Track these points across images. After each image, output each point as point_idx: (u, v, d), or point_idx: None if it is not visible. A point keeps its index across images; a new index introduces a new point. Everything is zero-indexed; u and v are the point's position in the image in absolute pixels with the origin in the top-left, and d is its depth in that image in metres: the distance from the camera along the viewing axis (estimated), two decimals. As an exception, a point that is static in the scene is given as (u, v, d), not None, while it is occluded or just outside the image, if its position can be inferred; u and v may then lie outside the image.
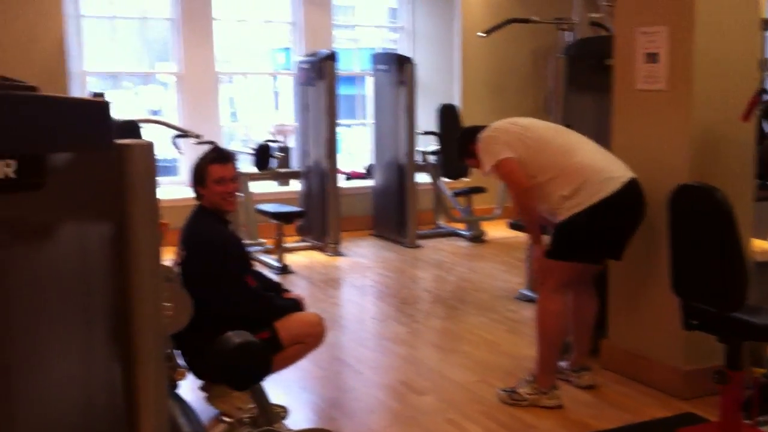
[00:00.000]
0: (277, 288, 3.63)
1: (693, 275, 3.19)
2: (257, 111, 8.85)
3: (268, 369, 2.64)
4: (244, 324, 3.23)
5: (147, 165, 1.44)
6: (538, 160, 3.65)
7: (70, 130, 1.34)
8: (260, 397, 2.58)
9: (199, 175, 3.38)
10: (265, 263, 6.49)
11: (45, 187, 1.30)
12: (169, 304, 1.91)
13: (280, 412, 3.36)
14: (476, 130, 3.88)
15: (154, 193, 1.46)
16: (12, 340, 1.28)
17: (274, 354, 3.28)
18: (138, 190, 1.41)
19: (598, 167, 3.59)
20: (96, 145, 1.37)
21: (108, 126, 1.43)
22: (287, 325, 3.31)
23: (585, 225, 3.55)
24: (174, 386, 2.99)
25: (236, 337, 2.39)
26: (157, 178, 1.46)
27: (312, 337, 3.39)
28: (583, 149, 3.69)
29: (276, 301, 3.41)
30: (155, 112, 8.67)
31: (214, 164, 3.40)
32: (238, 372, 2.50)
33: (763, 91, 3.70)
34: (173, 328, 2.56)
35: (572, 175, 3.56)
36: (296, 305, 3.45)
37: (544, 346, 3.69)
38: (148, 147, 1.46)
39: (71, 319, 1.35)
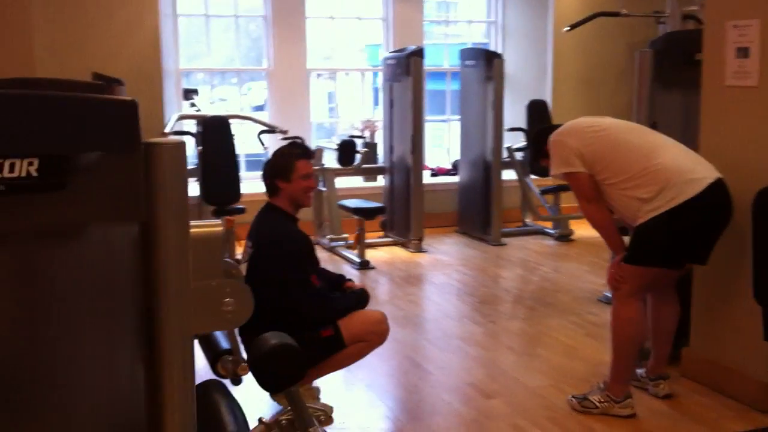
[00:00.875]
0: (340, 281, 3.62)
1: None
2: (354, 106, 8.90)
3: (300, 374, 2.62)
4: (307, 321, 3.27)
5: (176, 165, 1.43)
6: (614, 162, 3.50)
7: (95, 130, 1.34)
8: (295, 400, 2.56)
9: (284, 170, 3.39)
10: (346, 258, 6.53)
11: (68, 188, 1.30)
12: (229, 300, 1.92)
13: (320, 415, 3.33)
14: (550, 129, 3.77)
15: (184, 194, 1.45)
16: (34, 343, 1.29)
17: (335, 352, 3.30)
18: (167, 191, 1.40)
19: (681, 169, 3.40)
20: (122, 145, 1.37)
21: (135, 125, 1.42)
22: (350, 323, 3.31)
23: (666, 228, 3.38)
24: (238, 381, 3.03)
25: (272, 338, 2.37)
26: (187, 178, 1.46)
27: (375, 335, 3.37)
28: (666, 150, 3.50)
29: (337, 304, 3.39)
30: (258, 108, 8.85)
31: (301, 159, 3.43)
32: (268, 375, 2.49)
33: None
34: (235, 323, 2.56)
35: (653, 178, 3.40)
36: (359, 301, 3.43)
37: (618, 354, 3.55)
38: (178, 146, 1.45)
39: (95, 323, 1.36)
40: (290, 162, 3.40)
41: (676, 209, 3.34)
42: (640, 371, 3.81)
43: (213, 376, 2.26)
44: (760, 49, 3.52)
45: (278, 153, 3.54)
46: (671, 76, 4.64)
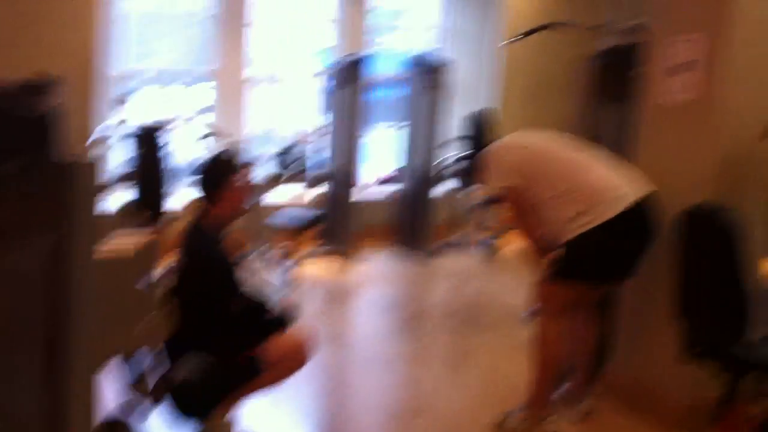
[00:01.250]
0: (262, 308, 3.51)
1: (694, 302, 3.08)
2: (300, 113, 8.83)
3: (205, 409, 2.57)
4: (223, 344, 3.21)
5: (88, 183, 1.40)
6: (543, 179, 3.53)
7: (10, 143, 1.31)
8: None
9: (226, 178, 3.27)
10: (276, 271, 6.47)
11: None
12: (144, 320, 1.88)
13: None
14: (486, 146, 3.82)
15: (92, 212, 1.42)
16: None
17: (255, 376, 3.24)
18: (78, 209, 1.37)
19: (607, 186, 3.42)
20: (34, 162, 1.34)
21: (47, 143, 1.39)
22: (271, 347, 3.24)
23: (592, 244, 3.39)
24: (157, 401, 2.98)
25: (184, 370, 2.35)
26: (97, 197, 1.43)
27: (295, 361, 3.29)
28: (594, 167, 3.52)
29: (250, 336, 3.28)
30: (203, 111, 8.70)
31: (243, 167, 3.33)
32: (177, 406, 2.46)
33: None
34: (150, 343, 2.53)
35: (581, 194, 3.41)
36: (278, 327, 3.37)
37: (541, 372, 3.56)
38: (90, 166, 1.42)
39: None
40: (233, 170, 3.30)
41: (602, 226, 3.36)
42: (561, 390, 3.86)
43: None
44: (701, 63, 3.54)
45: (218, 160, 3.40)
46: (613, 90, 4.68)
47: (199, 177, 3.34)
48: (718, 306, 2.97)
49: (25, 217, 1.31)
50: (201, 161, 3.45)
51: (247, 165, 3.39)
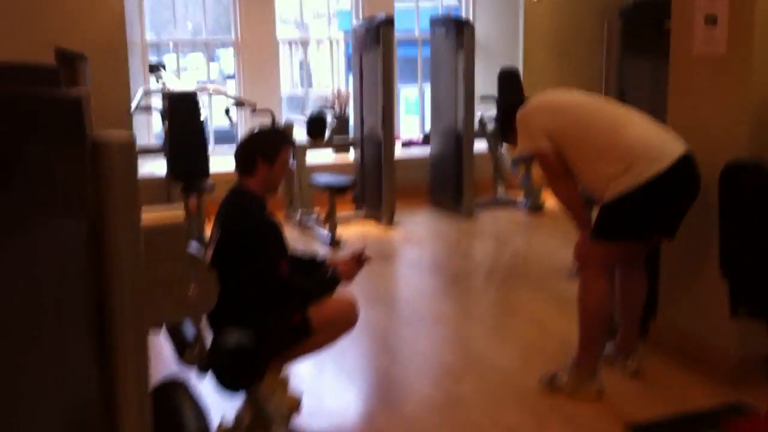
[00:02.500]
0: (313, 265, 3.55)
1: (741, 258, 3.01)
2: (326, 76, 8.78)
3: (256, 377, 2.56)
4: (274, 308, 3.22)
5: (126, 163, 1.37)
6: (580, 138, 3.47)
7: (39, 127, 1.29)
8: (256, 401, 2.52)
9: (270, 151, 3.28)
10: (317, 235, 6.48)
11: (13, 184, 1.25)
12: (193, 287, 1.87)
13: (284, 412, 3.26)
14: (517, 105, 3.72)
15: (134, 193, 1.40)
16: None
17: (304, 339, 3.27)
18: (116, 190, 1.35)
19: (647, 144, 3.36)
20: (67, 142, 1.31)
21: (81, 123, 1.35)
22: (319, 310, 3.25)
23: (634, 203, 3.34)
24: (205, 369, 2.99)
25: (230, 339, 2.34)
26: (136, 175, 1.40)
27: (344, 323, 3.32)
28: (632, 125, 3.45)
29: (303, 295, 3.31)
30: (230, 77, 8.69)
31: (287, 145, 3.35)
32: (226, 377, 2.45)
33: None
34: (199, 312, 2.52)
35: (620, 153, 3.36)
36: (328, 287, 3.36)
37: (586, 329, 3.54)
38: (127, 144, 1.39)
39: (45, 324, 1.32)
40: (278, 146, 3.31)
41: (643, 185, 3.31)
42: (608, 346, 3.82)
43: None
44: (727, 16, 3.45)
45: (265, 133, 3.45)
46: (641, 45, 4.59)
47: (245, 149, 3.34)
48: (764, 262, 2.89)
49: (65, 198, 1.28)
50: (246, 133, 3.46)
51: (290, 144, 3.39)
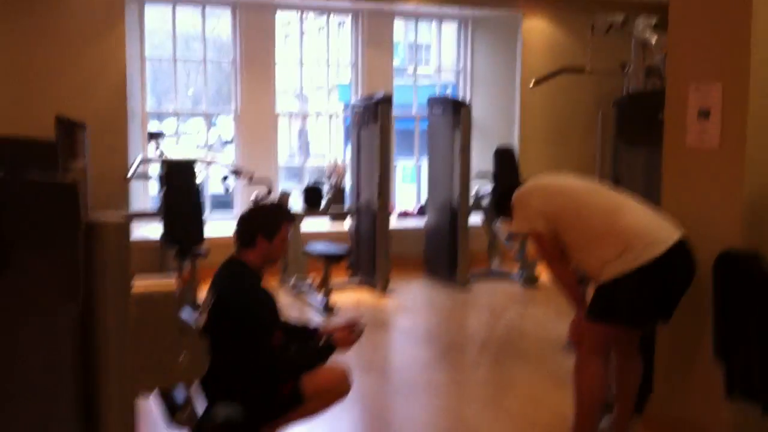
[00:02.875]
0: (306, 334, 3.52)
1: (736, 343, 3.02)
2: (323, 147, 8.90)
3: None
4: (265, 378, 3.19)
5: (119, 243, 1.39)
6: (576, 222, 3.51)
7: (35, 213, 1.31)
8: None
9: (270, 228, 3.32)
10: (311, 303, 6.45)
11: (9, 269, 1.27)
12: (184, 354, 1.86)
13: None
14: (514, 187, 3.77)
15: (126, 271, 1.42)
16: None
17: (295, 407, 3.23)
18: (108, 269, 1.37)
19: (644, 230, 3.39)
20: (62, 227, 1.33)
21: (75, 209, 1.38)
22: (311, 378, 3.23)
23: (629, 288, 3.35)
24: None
25: (221, 413, 2.31)
26: (130, 256, 1.42)
27: (336, 393, 3.30)
28: (628, 210, 3.50)
29: (295, 367, 3.28)
30: (228, 143, 8.81)
31: (287, 223, 3.39)
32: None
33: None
34: (190, 378, 2.51)
35: (616, 237, 3.38)
36: (321, 358, 3.33)
37: (581, 409, 3.52)
38: (121, 225, 1.42)
39: (34, 405, 1.31)
40: (278, 223, 3.35)
41: (639, 269, 3.32)
42: (604, 421, 3.77)
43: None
44: (721, 111, 3.53)
45: (265, 209, 3.49)
46: (635, 134, 4.67)
47: (245, 224, 3.38)
48: (758, 350, 2.89)
49: (58, 280, 1.31)
50: (247, 208, 3.50)
51: (290, 221, 3.44)
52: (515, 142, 8.49)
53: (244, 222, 3.40)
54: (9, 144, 2.16)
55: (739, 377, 3.04)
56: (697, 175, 3.69)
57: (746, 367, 3.00)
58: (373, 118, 7.01)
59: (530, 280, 7.36)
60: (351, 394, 3.44)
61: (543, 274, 7.33)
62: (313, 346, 3.41)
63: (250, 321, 3.20)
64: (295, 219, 3.54)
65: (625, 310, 3.42)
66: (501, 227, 7.54)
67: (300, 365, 3.26)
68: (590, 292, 3.57)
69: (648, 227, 3.41)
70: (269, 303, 3.37)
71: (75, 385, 1.33)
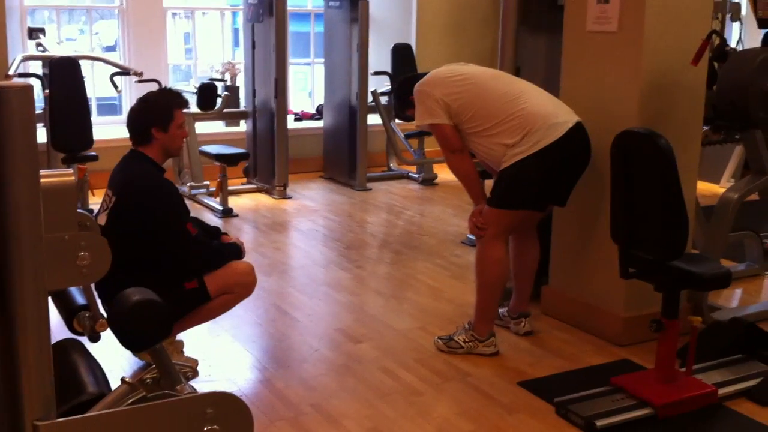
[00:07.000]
0: (216, 233, 3.49)
1: (632, 223, 3.14)
2: (213, 48, 8.55)
3: (166, 331, 2.50)
4: (171, 273, 3.13)
5: (23, 110, 1.29)
6: (479, 110, 3.52)
7: None
8: (161, 357, 2.43)
9: (162, 118, 3.20)
10: (208, 206, 6.34)
11: None
12: (84, 254, 1.77)
13: (187, 371, 3.21)
14: (414, 79, 3.74)
15: (33, 141, 1.32)
16: None
17: (200, 304, 3.19)
18: (14, 140, 1.27)
19: (543, 114, 3.46)
20: None
21: None
22: (216, 275, 3.19)
23: (530, 171, 3.44)
24: (96, 338, 2.87)
25: (134, 294, 2.24)
26: (35, 124, 1.32)
27: (242, 287, 3.27)
28: (529, 96, 3.55)
29: (221, 251, 3.27)
30: (110, 49, 8.35)
31: (179, 108, 3.26)
32: (132, 333, 2.36)
33: (713, 33, 3.61)
34: (91, 278, 2.40)
35: (518, 124, 3.45)
36: (238, 252, 3.32)
37: (483, 294, 3.63)
38: (24, 90, 1.31)
39: None
40: (170, 110, 3.22)
41: (539, 152, 3.41)
42: (502, 310, 3.91)
43: (69, 334, 2.13)
44: None
45: (154, 100, 3.32)
46: (537, 20, 4.69)
47: (136, 120, 3.25)
48: (657, 227, 3.02)
49: None
50: (136, 102, 3.34)
51: (183, 107, 3.29)
52: (413, 40, 8.40)
53: (134, 118, 3.26)
54: None
55: (634, 258, 3.18)
56: (595, 58, 3.75)
57: (640, 245, 3.14)
58: (267, 12, 6.77)
59: (428, 180, 7.44)
60: (255, 293, 3.43)
61: (441, 173, 7.42)
62: (230, 244, 3.38)
63: (162, 208, 3.13)
64: (187, 103, 3.41)
65: (527, 193, 3.50)
66: (396, 128, 7.54)
67: (218, 254, 3.23)
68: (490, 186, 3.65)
69: (548, 112, 3.47)
70: (178, 193, 3.31)
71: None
